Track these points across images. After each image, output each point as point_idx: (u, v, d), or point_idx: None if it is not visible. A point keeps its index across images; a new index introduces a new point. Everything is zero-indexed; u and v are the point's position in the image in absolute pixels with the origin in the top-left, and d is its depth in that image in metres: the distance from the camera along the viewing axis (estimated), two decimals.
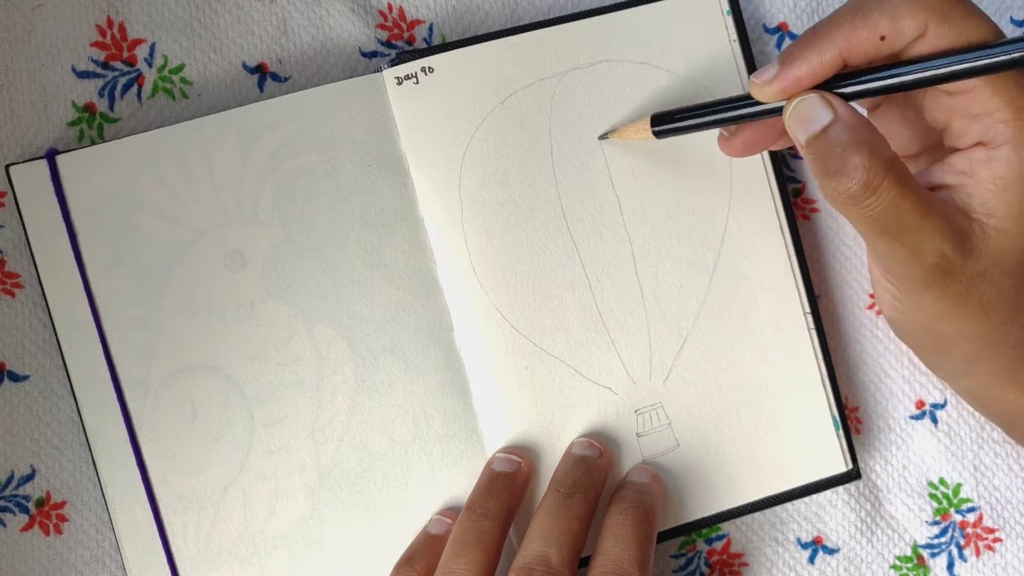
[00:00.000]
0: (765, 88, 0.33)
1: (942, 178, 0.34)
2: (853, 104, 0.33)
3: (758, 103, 0.35)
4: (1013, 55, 0.30)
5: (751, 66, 0.42)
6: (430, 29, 0.43)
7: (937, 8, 0.31)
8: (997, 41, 0.31)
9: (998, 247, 0.33)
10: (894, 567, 0.44)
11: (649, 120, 0.38)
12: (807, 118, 0.33)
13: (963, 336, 0.36)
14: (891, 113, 0.38)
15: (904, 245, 0.33)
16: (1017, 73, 0.31)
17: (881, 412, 0.45)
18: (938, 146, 0.36)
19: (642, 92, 0.41)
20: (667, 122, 0.38)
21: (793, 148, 0.43)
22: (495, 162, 0.41)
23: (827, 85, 0.33)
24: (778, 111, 0.34)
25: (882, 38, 0.32)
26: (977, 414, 0.45)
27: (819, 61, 0.32)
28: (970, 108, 0.32)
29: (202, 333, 0.40)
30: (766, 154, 0.42)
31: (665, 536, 0.41)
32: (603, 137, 0.41)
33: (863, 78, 0.32)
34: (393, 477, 0.40)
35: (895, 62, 0.32)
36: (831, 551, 0.44)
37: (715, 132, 0.40)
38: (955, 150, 0.34)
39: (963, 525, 0.45)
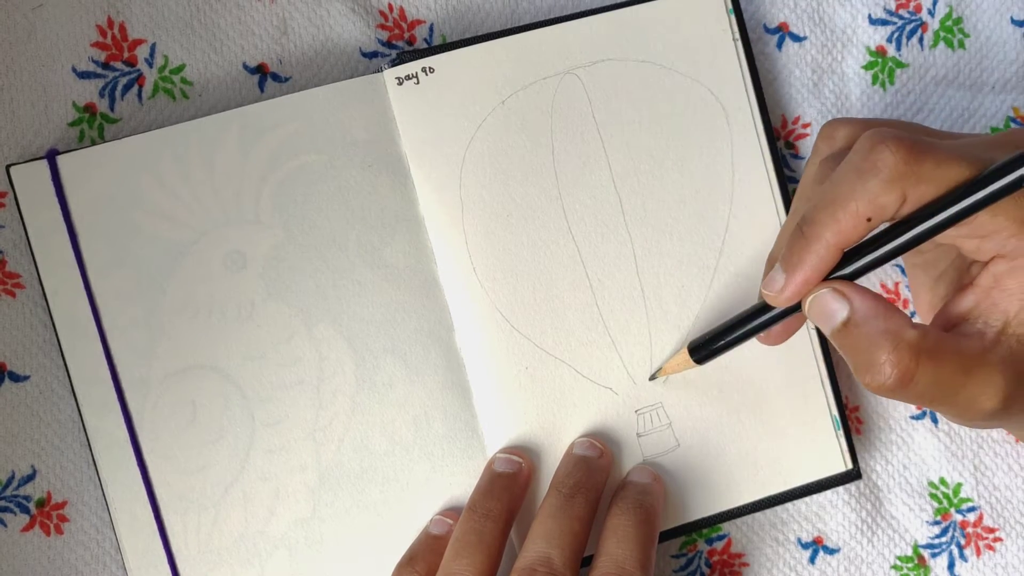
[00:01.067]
0: (778, 299, 0.34)
1: (973, 300, 0.34)
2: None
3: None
4: (998, 187, 0.30)
5: (752, 65, 0.42)
6: (430, 29, 0.43)
7: (908, 175, 0.31)
8: (982, 175, 0.30)
9: None
10: (895, 567, 0.44)
11: (687, 350, 0.39)
12: (824, 314, 0.33)
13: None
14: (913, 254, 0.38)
15: (957, 406, 0.32)
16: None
17: (881, 412, 0.45)
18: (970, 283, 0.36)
19: (644, 91, 0.41)
20: (704, 349, 0.38)
21: None
22: (496, 162, 0.41)
23: (838, 265, 0.33)
24: (799, 308, 0.34)
25: (868, 219, 0.31)
26: None
27: (819, 259, 0.32)
28: (977, 231, 0.32)
29: (202, 333, 0.40)
30: (768, 155, 0.42)
31: (666, 536, 0.41)
32: (652, 378, 0.41)
33: (866, 255, 0.33)
34: (394, 477, 0.40)
35: (891, 226, 0.32)
36: (832, 551, 0.44)
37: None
38: (977, 262, 0.34)
39: (963, 525, 0.45)
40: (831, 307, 0.33)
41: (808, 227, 0.32)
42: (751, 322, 0.36)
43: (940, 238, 0.32)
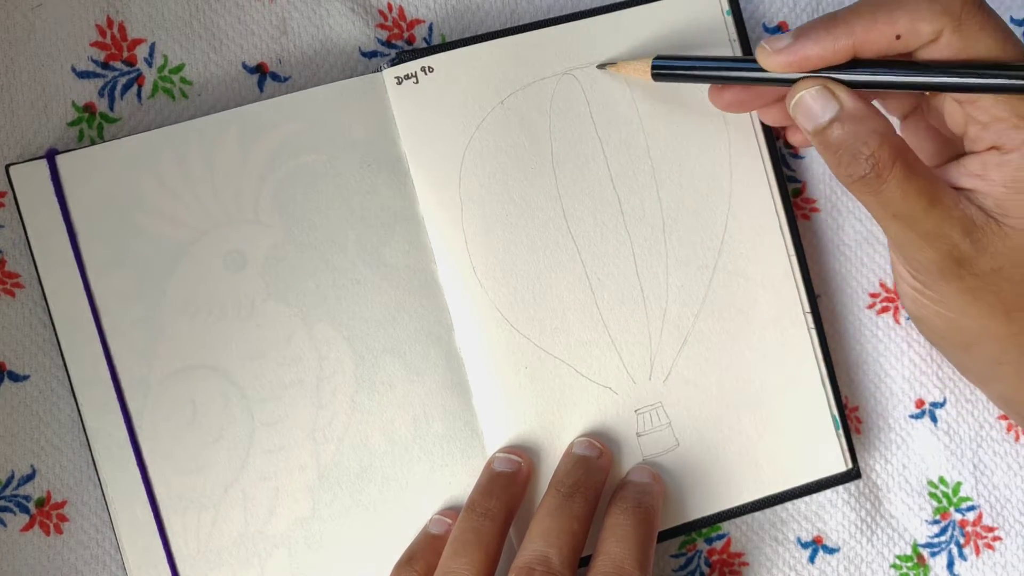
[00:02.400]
0: (773, 57, 0.34)
1: (957, 179, 0.35)
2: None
3: (762, 69, 0.35)
4: (1009, 81, 0.31)
5: None
6: (430, 29, 0.43)
7: (955, 15, 0.31)
8: (1003, 62, 0.31)
9: (1015, 245, 0.34)
10: (894, 566, 0.44)
11: (650, 61, 0.38)
12: (812, 110, 0.33)
13: (986, 334, 0.36)
14: (919, 123, 0.39)
15: (916, 232, 0.33)
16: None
17: (881, 411, 0.45)
18: (957, 158, 0.37)
19: (642, 92, 0.41)
20: (669, 68, 0.38)
21: (785, 131, 0.43)
22: (495, 162, 0.41)
23: (834, 72, 0.33)
24: (780, 82, 0.34)
25: (898, 36, 0.32)
26: (976, 413, 0.45)
27: (832, 44, 0.33)
28: (979, 115, 0.33)
29: (202, 333, 0.40)
30: (766, 154, 0.42)
31: (665, 536, 0.41)
32: (602, 66, 0.41)
33: (870, 70, 0.33)
34: (393, 477, 0.40)
35: (904, 62, 0.33)
36: (831, 550, 0.44)
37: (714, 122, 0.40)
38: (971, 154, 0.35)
39: (963, 524, 0.45)
40: (821, 104, 0.33)
41: (846, 12, 0.33)
42: (727, 69, 0.36)
43: (953, 112, 0.33)
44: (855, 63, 0.33)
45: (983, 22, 0.32)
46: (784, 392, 0.42)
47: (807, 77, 0.34)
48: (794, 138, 0.43)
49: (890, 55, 0.33)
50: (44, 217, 0.39)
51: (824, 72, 0.34)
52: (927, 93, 0.37)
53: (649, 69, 0.38)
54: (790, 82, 0.34)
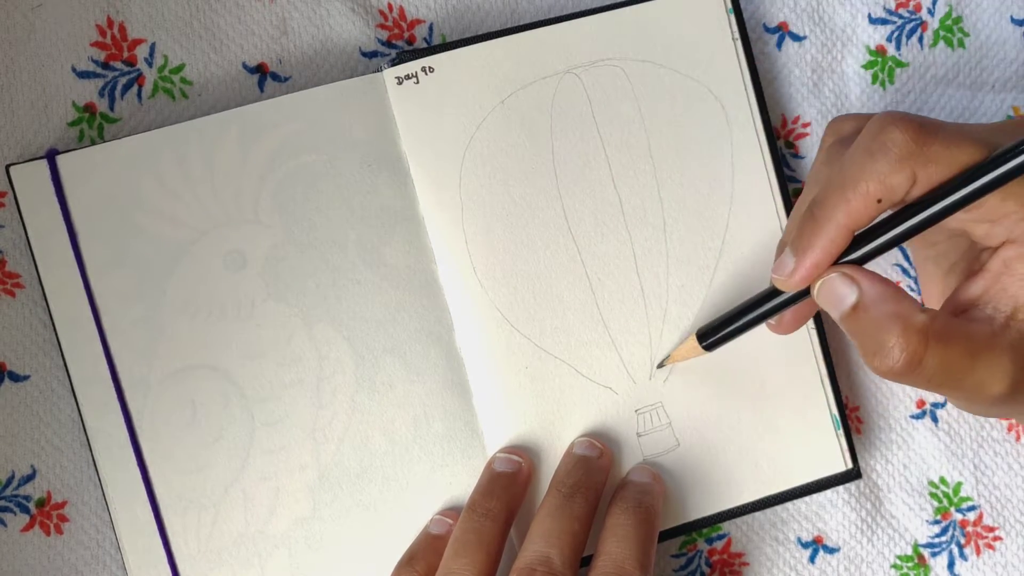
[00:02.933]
0: (790, 282, 0.34)
1: (983, 286, 0.34)
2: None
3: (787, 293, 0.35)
4: (1008, 168, 0.30)
5: (752, 65, 0.42)
6: (430, 29, 0.43)
7: (917, 154, 0.31)
8: (991, 157, 0.31)
9: None
10: (895, 566, 0.44)
11: (695, 337, 0.39)
12: (833, 299, 0.33)
13: None
14: (920, 240, 0.38)
15: (965, 390, 0.32)
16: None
17: (881, 411, 0.45)
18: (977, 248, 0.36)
19: (643, 91, 0.41)
20: (712, 335, 0.38)
21: None
22: (496, 161, 0.41)
23: (847, 249, 0.33)
24: (807, 293, 0.34)
25: (879, 200, 0.32)
26: None
27: (829, 242, 0.32)
28: (987, 216, 0.32)
29: (202, 333, 0.40)
30: (767, 154, 0.42)
31: (666, 536, 0.41)
32: (660, 366, 0.41)
33: (876, 239, 0.33)
34: (393, 477, 0.40)
35: (900, 210, 0.32)
36: (832, 550, 0.44)
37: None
38: (987, 248, 0.34)
39: (963, 524, 0.45)
40: (840, 291, 0.33)
41: (819, 209, 0.33)
42: (760, 307, 0.36)
43: (950, 222, 0.32)
44: (857, 239, 0.33)
45: (945, 140, 0.31)
46: (784, 392, 0.41)
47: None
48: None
49: (884, 211, 0.33)
50: (44, 217, 0.39)
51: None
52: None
53: (697, 345, 0.39)
54: None
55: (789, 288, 0.34)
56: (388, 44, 0.43)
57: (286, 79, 0.42)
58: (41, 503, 0.41)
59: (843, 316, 0.33)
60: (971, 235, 0.34)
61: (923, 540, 0.45)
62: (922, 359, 0.31)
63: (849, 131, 0.36)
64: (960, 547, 0.45)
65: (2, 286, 0.41)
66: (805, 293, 0.34)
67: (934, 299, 0.39)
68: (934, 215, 0.32)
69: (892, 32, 0.45)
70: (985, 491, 0.45)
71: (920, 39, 0.45)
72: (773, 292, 0.35)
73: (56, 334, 0.39)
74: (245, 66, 0.42)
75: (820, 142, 0.37)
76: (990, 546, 0.45)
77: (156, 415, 0.39)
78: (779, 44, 0.45)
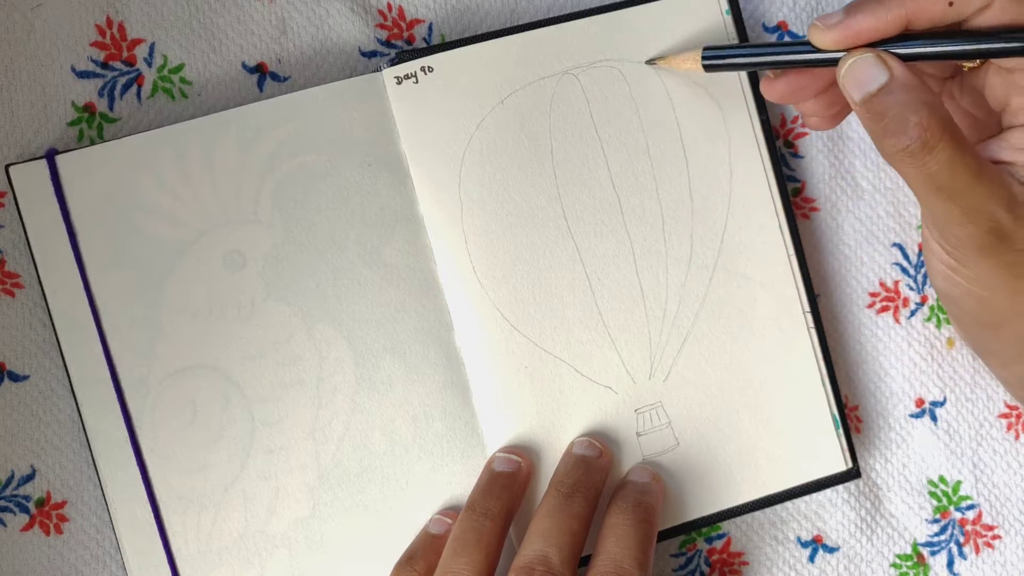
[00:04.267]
0: (826, 33, 0.33)
1: (998, 153, 0.34)
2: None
3: (812, 51, 0.35)
4: None
5: None
6: (430, 28, 0.43)
7: None
8: None
9: None
10: (894, 565, 0.44)
11: (700, 51, 0.38)
12: (862, 78, 0.33)
13: (1019, 312, 0.36)
14: (954, 97, 0.39)
15: (959, 206, 0.33)
16: None
17: (881, 411, 0.45)
18: (998, 133, 0.36)
19: (641, 91, 0.41)
20: (719, 56, 0.37)
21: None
22: (495, 161, 0.41)
23: (886, 45, 0.33)
24: (833, 62, 0.34)
25: (950, 3, 0.32)
26: (976, 412, 0.45)
27: (884, 16, 0.32)
28: None
29: (202, 333, 0.40)
30: (766, 154, 0.42)
31: (665, 535, 0.41)
32: (651, 62, 0.40)
33: (922, 41, 0.33)
34: (393, 477, 0.40)
35: (956, 31, 0.32)
36: (831, 550, 0.44)
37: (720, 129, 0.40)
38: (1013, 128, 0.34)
39: (963, 523, 0.45)
40: (871, 71, 0.33)
41: None
42: (777, 53, 0.36)
43: (996, 84, 0.33)
44: (905, 36, 0.33)
45: None
46: (784, 392, 0.42)
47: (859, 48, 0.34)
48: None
49: (942, 24, 0.33)
50: (44, 217, 0.39)
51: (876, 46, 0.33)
52: (965, 69, 0.36)
53: (699, 60, 0.38)
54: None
55: (822, 41, 0.34)
56: (387, 44, 0.43)
57: (285, 79, 0.42)
58: (41, 503, 0.41)
59: (867, 96, 0.33)
60: (1002, 105, 0.34)
61: (922, 539, 0.45)
62: (936, 146, 0.32)
63: None
64: (959, 546, 0.45)
65: (2, 286, 0.41)
66: (826, 63, 0.34)
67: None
68: (983, 50, 0.32)
69: None
70: (984, 490, 0.45)
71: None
72: (796, 44, 0.35)
73: (56, 334, 0.39)
74: (244, 66, 0.42)
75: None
76: (989, 545, 0.45)
77: (156, 415, 0.39)
78: None
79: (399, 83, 0.40)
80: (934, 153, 0.32)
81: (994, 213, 0.33)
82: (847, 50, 0.34)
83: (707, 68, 0.38)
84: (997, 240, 0.34)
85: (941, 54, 0.33)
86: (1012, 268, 0.34)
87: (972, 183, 0.32)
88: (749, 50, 0.37)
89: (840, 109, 0.39)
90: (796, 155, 0.45)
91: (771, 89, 0.38)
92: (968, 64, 0.35)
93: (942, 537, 0.45)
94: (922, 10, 0.32)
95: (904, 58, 0.33)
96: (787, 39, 0.35)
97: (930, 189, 0.33)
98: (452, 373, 0.41)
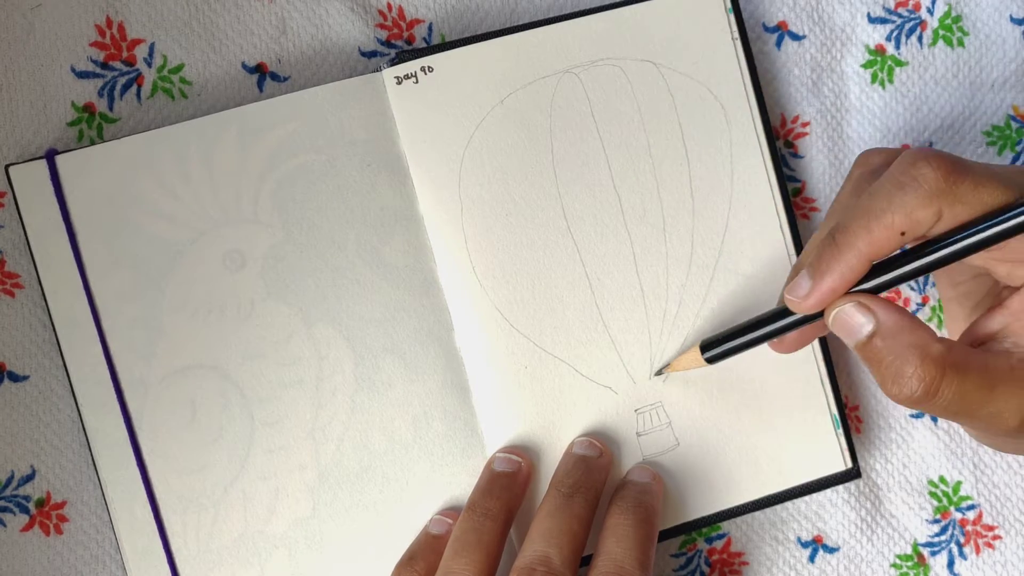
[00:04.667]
0: (802, 305, 0.34)
1: (1003, 322, 0.34)
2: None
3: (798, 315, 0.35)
4: None
5: (751, 64, 0.42)
6: (429, 28, 0.43)
7: (946, 192, 0.31)
8: (1017, 201, 0.31)
9: None
10: (894, 565, 0.44)
11: (699, 348, 0.39)
12: (849, 327, 0.33)
13: None
14: (944, 279, 0.39)
15: (981, 420, 0.33)
16: None
17: (881, 411, 0.45)
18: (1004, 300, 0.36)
19: (643, 90, 0.41)
20: (717, 349, 0.38)
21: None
22: (495, 161, 0.41)
23: (862, 284, 0.33)
24: (819, 316, 0.34)
25: (902, 233, 0.32)
26: None
27: (848, 269, 0.32)
28: (1010, 256, 0.33)
29: (202, 333, 0.40)
30: (766, 154, 0.42)
31: (665, 535, 0.41)
32: (659, 373, 0.41)
33: (895, 270, 0.33)
34: (393, 477, 0.40)
35: (921, 243, 0.32)
36: (831, 550, 0.44)
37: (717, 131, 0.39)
38: (1009, 288, 0.34)
39: (963, 523, 0.45)
40: (856, 321, 0.33)
41: (841, 235, 0.33)
42: (768, 326, 0.36)
43: (974, 259, 0.33)
44: (875, 268, 0.33)
45: (975, 180, 0.31)
46: (784, 392, 0.42)
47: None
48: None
49: (905, 245, 0.33)
50: (44, 217, 0.39)
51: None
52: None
53: (700, 356, 0.39)
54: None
55: (802, 311, 0.34)
56: (387, 44, 0.43)
57: (285, 79, 0.42)
58: (41, 503, 0.41)
59: (859, 345, 0.33)
60: (994, 274, 0.34)
61: (923, 539, 0.45)
62: (939, 389, 0.31)
63: (878, 164, 0.36)
64: (960, 546, 0.45)
65: (2, 286, 0.41)
66: (814, 317, 0.34)
67: (953, 332, 0.39)
68: (955, 253, 0.32)
69: (892, 31, 0.45)
70: (984, 490, 0.45)
71: (919, 38, 0.45)
72: (782, 312, 0.35)
73: (55, 334, 0.39)
74: (244, 66, 0.42)
75: (848, 173, 0.37)
76: (990, 545, 0.45)
77: (155, 415, 0.39)
78: (778, 43, 0.45)
79: (399, 83, 0.40)
80: (939, 394, 0.32)
81: (1019, 413, 0.32)
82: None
83: (710, 361, 0.39)
84: None
85: (916, 272, 0.33)
86: None
87: (988, 398, 0.32)
88: (744, 333, 0.37)
89: None
90: (796, 155, 0.45)
91: (781, 348, 0.38)
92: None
93: (942, 537, 0.45)
94: (878, 248, 0.32)
95: (881, 288, 0.33)
96: (771, 311, 0.36)
97: (947, 417, 0.33)
98: (452, 373, 0.41)
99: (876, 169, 0.36)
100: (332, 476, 0.40)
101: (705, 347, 0.39)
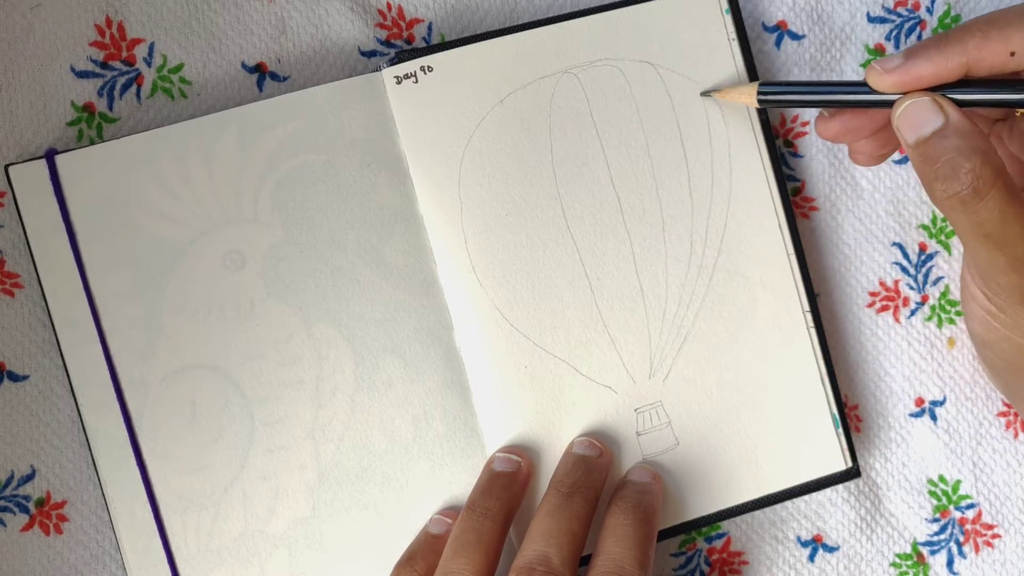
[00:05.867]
0: (885, 77, 0.33)
1: None
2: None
3: (869, 91, 0.34)
4: None
5: (750, 65, 0.42)
6: (429, 28, 0.43)
7: None
8: None
9: None
10: (894, 564, 0.44)
11: (756, 86, 0.38)
12: (917, 121, 0.33)
13: None
14: (1003, 141, 0.39)
15: (1006, 255, 0.33)
16: None
17: (880, 410, 0.45)
18: None
19: (641, 91, 0.41)
20: (775, 92, 0.37)
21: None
22: (494, 161, 0.41)
23: (943, 90, 0.33)
24: (888, 103, 0.34)
25: (1012, 53, 0.32)
26: (976, 411, 0.45)
27: (944, 63, 0.32)
28: None
29: (202, 333, 0.40)
30: (765, 153, 0.42)
31: (665, 535, 0.41)
32: (705, 94, 0.40)
33: (980, 89, 0.32)
34: (393, 476, 0.40)
35: (1015, 79, 0.32)
36: (831, 549, 0.44)
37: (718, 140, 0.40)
38: None
39: (962, 522, 0.45)
40: (927, 114, 0.32)
41: (955, 31, 0.32)
42: (834, 92, 0.36)
43: None
44: (965, 82, 0.33)
45: None
46: (784, 391, 0.42)
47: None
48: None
49: (1003, 73, 0.33)
50: (43, 217, 0.39)
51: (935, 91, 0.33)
52: (1017, 114, 0.36)
53: (755, 95, 0.38)
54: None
55: (881, 85, 0.34)
56: (387, 43, 0.43)
57: (285, 79, 0.42)
58: (41, 503, 0.41)
59: (921, 139, 0.32)
60: None
61: (922, 538, 0.45)
62: (987, 193, 0.31)
63: None
64: (959, 545, 0.45)
65: (1, 286, 0.41)
66: (882, 104, 0.34)
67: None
68: None
69: (891, 31, 0.45)
70: (984, 489, 0.45)
71: (919, 37, 0.45)
72: (854, 84, 0.35)
73: (55, 334, 0.39)
74: (244, 65, 0.42)
75: None
76: (989, 544, 0.45)
77: (156, 415, 0.39)
78: (778, 43, 0.45)
79: (399, 83, 0.40)
80: (985, 201, 0.31)
81: None
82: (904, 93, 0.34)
83: (762, 103, 0.38)
84: None
85: (998, 102, 0.32)
86: None
87: (1022, 234, 0.32)
88: (805, 87, 0.37)
89: (890, 149, 0.38)
90: (796, 154, 0.45)
91: (826, 127, 0.38)
92: (1020, 110, 0.35)
93: (942, 536, 0.45)
94: (983, 58, 0.32)
95: (961, 104, 0.33)
96: (843, 79, 0.35)
97: (978, 236, 0.33)
98: (452, 373, 0.41)
99: None
100: (332, 476, 0.40)
101: (764, 84, 0.38)
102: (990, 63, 0.32)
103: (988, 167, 0.31)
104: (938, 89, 0.33)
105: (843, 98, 0.35)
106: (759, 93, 0.38)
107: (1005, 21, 0.32)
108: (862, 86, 0.35)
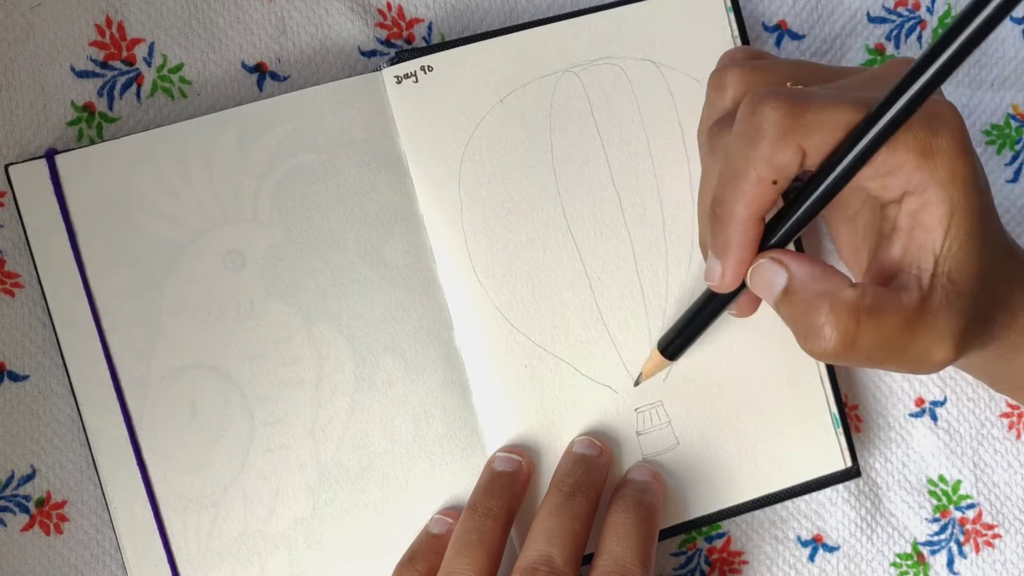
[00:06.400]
0: (722, 286, 0.34)
1: (901, 245, 0.32)
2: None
3: (727, 295, 0.35)
4: (887, 121, 0.29)
5: None
6: (429, 28, 0.43)
7: (795, 128, 0.30)
8: (869, 114, 0.30)
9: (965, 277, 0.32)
10: (894, 564, 0.44)
11: (657, 351, 0.39)
12: (765, 286, 0.32)
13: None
14: (837, 215, 0.38)
15: (909, 362, 0.31)
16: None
17: (881, 410, 0.45)
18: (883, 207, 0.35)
19: (642, 89, 0.41)
20: (672, 344, 0.39)
21: None
22: (495, 160, 0.41)
23: (765, 235, 0.33)
24: (745, 285, 0.34)
25: (774, 182, 0.31)
26: (976, 411, 0.45)
27: (742, 237, 0.32)
28: (880, 170, 0.31)
29: (202, 332, 0.40)
30: None
31: (665, 534, 0.41)
32: (637, 383, 0.41)
33: (788, 218, 0.32)
34: (393, 476, 0.40)
35: (806, 182, 0.32)
36: (831, 549, 0.44)
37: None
38: (891, 203, 0.33)
39: (963, 522, 0.45)
40: (769, 277, 0.32)
41: (719, 208, 0.32)
42: (707, 308, 0.37)
43: (853, 183, 0.31)
44: (771, 223, 0.33)
45: (819, 106, 0.30)
46: (784, 391, 0.42)
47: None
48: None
49: (784, 191, 0.32)
50: (44, 217, 0.39)
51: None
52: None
53: (661, 358, 0.39)
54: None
55: (725, 290, 0.34)
56: (387, 43, 0.43)
57: (285, 78, 0.42)
58: (41, 503, 0.41)
59: (777, 302, 0.32)
60: (870, 192, 0.32)
61: (922, 538, 0.45)
62: (856, 338, 0.30)
63: (730, 96, 0.35)
64: (959, 545, 0.45)
65: (2, 286, 0.41)
66: (743, 286, 0.34)
67: (856, 267, 0.38)
68: (835, 181, 0.31)
69: (891, 30, 0.45)
70: (984, 489, 0.45)
71: (919, 37, 0.45)
72: (715, 294, 0.36)
73: (55, 334, 0.39)
74: (244, 65, 0.42)
75: (705, 100, 0.36)
76: (989, 544, 0.45)
77: (155, 415, 0.39)
78: (778, 42, 0.45)
79: (399, 82, 0.40)
80: (856, 343, 0.30)
81: (946, 343, 0.31)
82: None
83: (670, 358, 0.39)
84: (958, 351, 0.32)
85: (807, 213, 0.32)
86: (977, 344, 0.33)
87: (909, 340, 0.31)
88: (689, 323, 0.38)
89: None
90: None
91: (740, 315, 0.38)
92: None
93: (942, 536, 0.45)
94: (760, 205, 0.31)
95: (785, 240, 0.33)
96: (704, 294, 0.37)
97: (873, 365, 0.32)
98: (452, 372, 0.41)
99: (727, 111, 0.35)
100: (332, 476, 0.40)
101: (662, 347, 0.39)
102: (770, 201, 0.31)
103: (840, 309, 0.30)
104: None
105: (716, 307, 0.36)
106: (662, 351, 0.39)
107: (740, 168, 0.31)
108: (716, 297, 0.36)
